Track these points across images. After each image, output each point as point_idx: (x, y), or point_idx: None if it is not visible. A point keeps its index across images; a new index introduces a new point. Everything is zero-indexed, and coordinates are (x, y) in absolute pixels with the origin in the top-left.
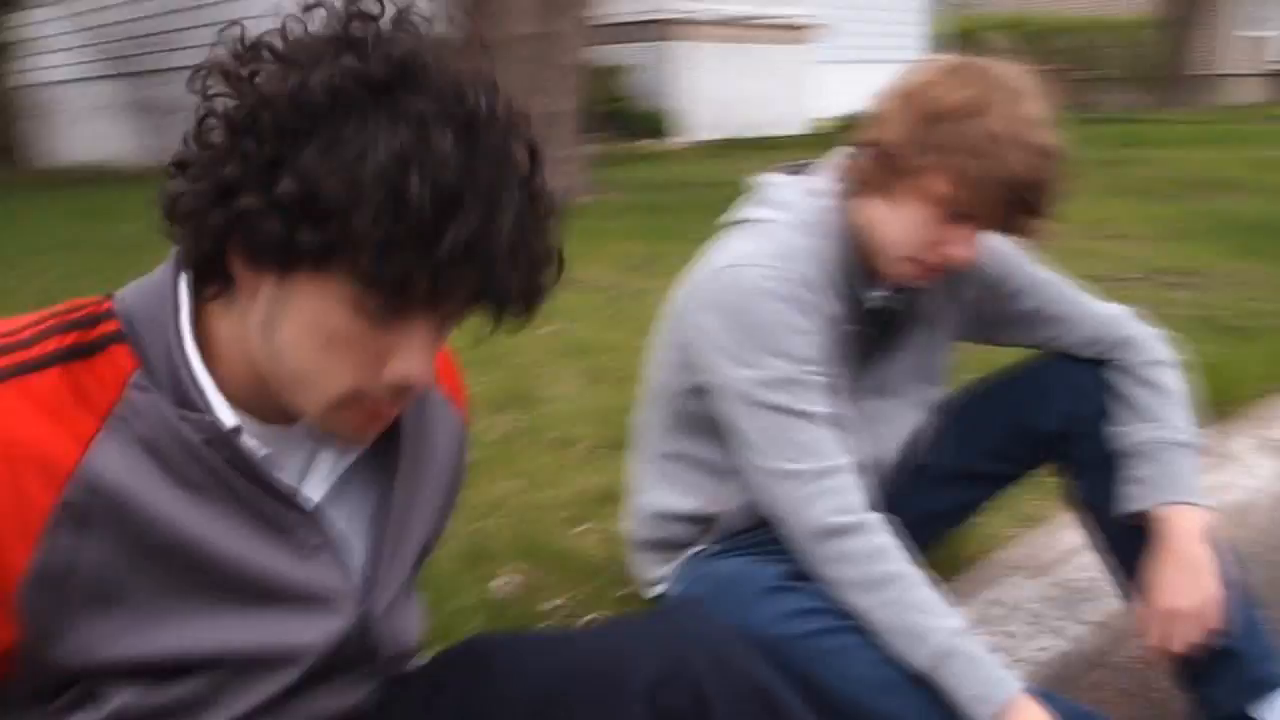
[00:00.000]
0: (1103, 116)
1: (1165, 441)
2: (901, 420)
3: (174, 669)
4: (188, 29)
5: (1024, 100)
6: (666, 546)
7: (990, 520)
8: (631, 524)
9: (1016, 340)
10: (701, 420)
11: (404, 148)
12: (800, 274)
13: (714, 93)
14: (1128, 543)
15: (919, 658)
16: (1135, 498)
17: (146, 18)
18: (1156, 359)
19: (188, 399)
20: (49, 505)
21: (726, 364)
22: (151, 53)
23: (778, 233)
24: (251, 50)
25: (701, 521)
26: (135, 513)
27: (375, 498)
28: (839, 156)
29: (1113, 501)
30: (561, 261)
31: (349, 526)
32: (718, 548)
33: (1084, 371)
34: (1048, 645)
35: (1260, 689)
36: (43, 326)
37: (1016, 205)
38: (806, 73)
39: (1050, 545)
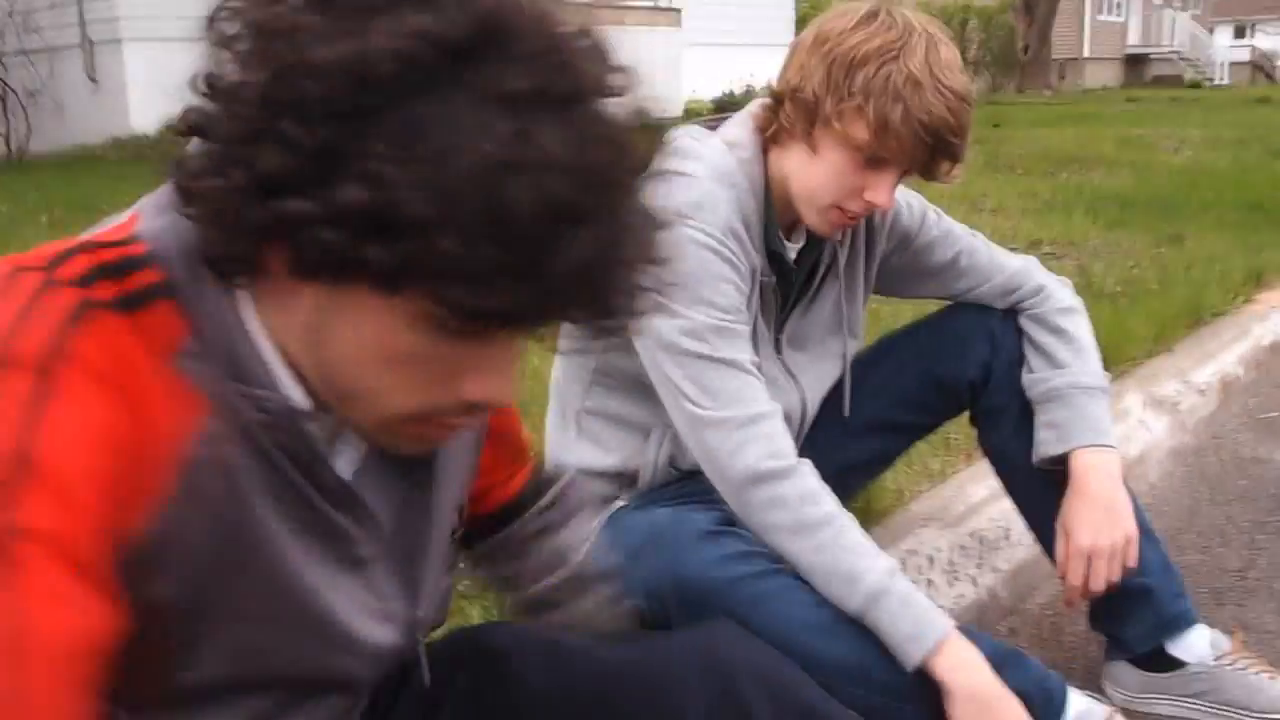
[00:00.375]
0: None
1: (1077, 386)
2: (820, 372)
3: (222, 690)
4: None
5: (938, 45)
6: None
7: (899, 476)
8: None
9: (932, 292)
10: (622, 375)
11: (501, 144)
12: (722, 223)
13: None
14: (1043, 489)
15: (853, 599)
16: (1050, 442)
17: None
18: (1066, 306)
19: (247, 374)
20: (174, 464)
21: (652, 314)
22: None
23: (697, 184)
24: None
25: (624, 478)
26: (235, 501)
27: (404, 476)
28: (754, 109)
29: (1029, 448)
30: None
31: (378, 504)
32: (641, 501)
33: (1000, 321)
34: (964, 593)
35: (1175, 626)
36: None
37: (935, 148)
38: (679, 56)
39: (960, 498)
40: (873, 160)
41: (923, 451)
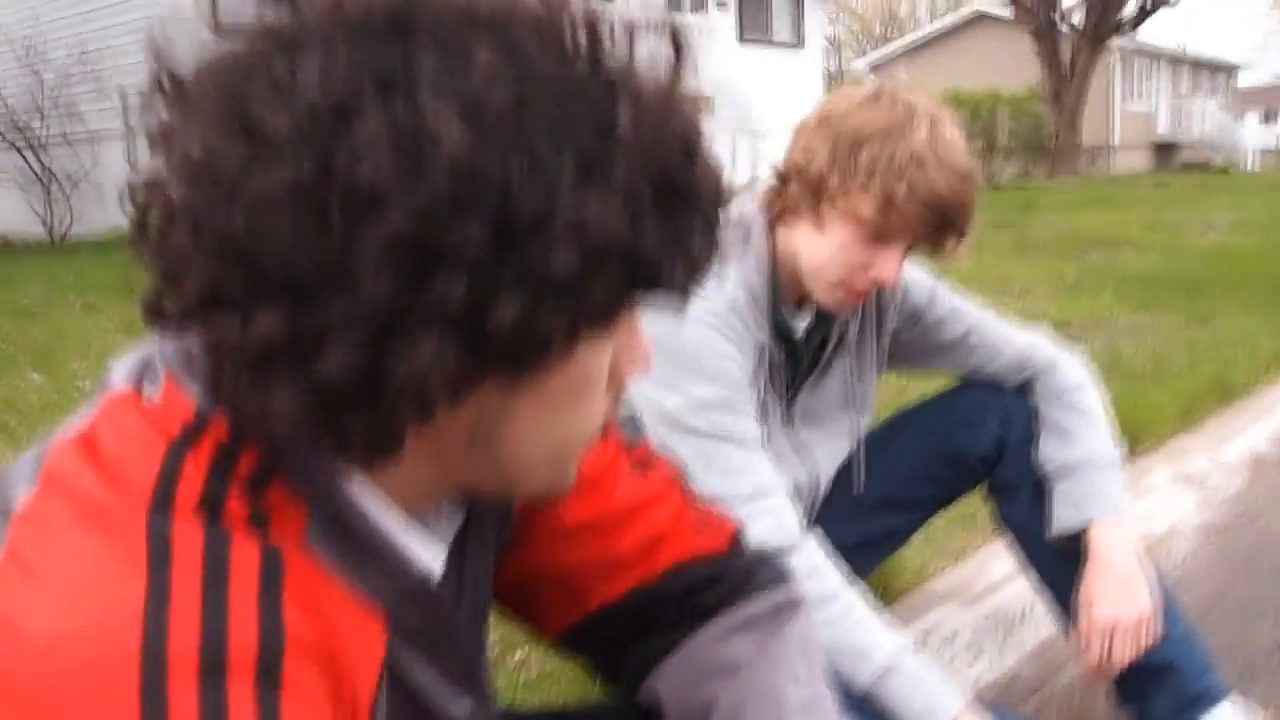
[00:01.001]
0: (998, 185)
1: (1091, 462)
2: (831, 448)
3: None
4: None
5: (941, 125)
6: None
7: (918, 553)
8: None
9: (943, 367)
10: None
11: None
12: (727, 299)
13: None
14: (1060, 565)
15: (862, 675)
16: (1066, 518)
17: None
18: (1078, 382)
19: (369, 546)
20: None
21: (655, 390)
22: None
23: None
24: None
25: None
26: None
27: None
28: (760, 187)
29: (1043, 524)
30: None
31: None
32: None
33: (1012, 396)
34: (986, 672)
35: (1203, 701)
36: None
37: (940, 224)
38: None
39: (981, 575)
40: (878, 236)
41: (943, 529)
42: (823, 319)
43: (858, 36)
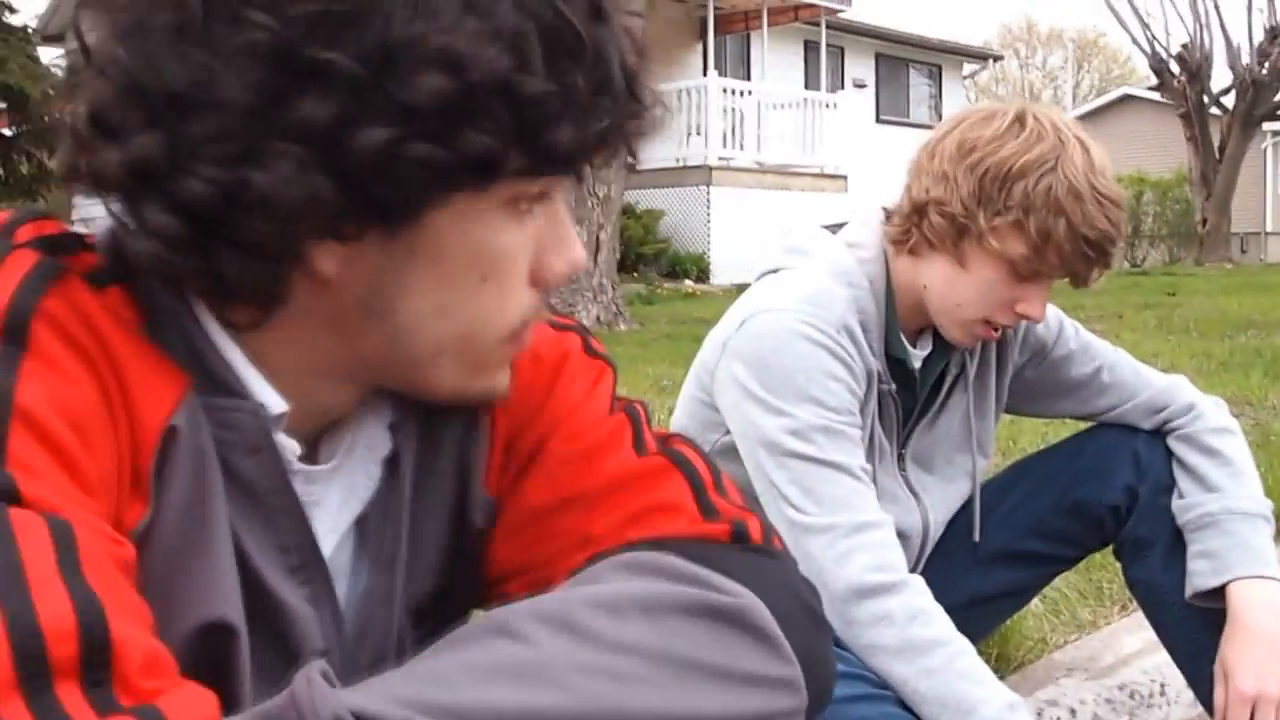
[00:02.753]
0: (1144, 270)
1: (1233, 512)
2: (945, 492)
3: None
4: None
5: (1091, 150)
6: None
7: (1042, 624)
8: None
9: (1070, 410)
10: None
11: None
12: (836, 320)
13: (754, 237)
14: (1199, 628)
15: None
16: (1204, 574)
17: None
18: (1220, 426)
19: (213, 376)
20: (155, 439)
21: (756, 412)
22: None
23: (812, 279)
24: None
25: None
26: (201, 491)
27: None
28: (876, 212)
29: (1180, 582)
30: None
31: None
32: None
33: (1146, 442)
34: None
35: None
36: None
37: (1094, 258)
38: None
39: (1111, 649)
40: (1028, 274)
41: (1070, 599)
42: (940, 352)
43: None
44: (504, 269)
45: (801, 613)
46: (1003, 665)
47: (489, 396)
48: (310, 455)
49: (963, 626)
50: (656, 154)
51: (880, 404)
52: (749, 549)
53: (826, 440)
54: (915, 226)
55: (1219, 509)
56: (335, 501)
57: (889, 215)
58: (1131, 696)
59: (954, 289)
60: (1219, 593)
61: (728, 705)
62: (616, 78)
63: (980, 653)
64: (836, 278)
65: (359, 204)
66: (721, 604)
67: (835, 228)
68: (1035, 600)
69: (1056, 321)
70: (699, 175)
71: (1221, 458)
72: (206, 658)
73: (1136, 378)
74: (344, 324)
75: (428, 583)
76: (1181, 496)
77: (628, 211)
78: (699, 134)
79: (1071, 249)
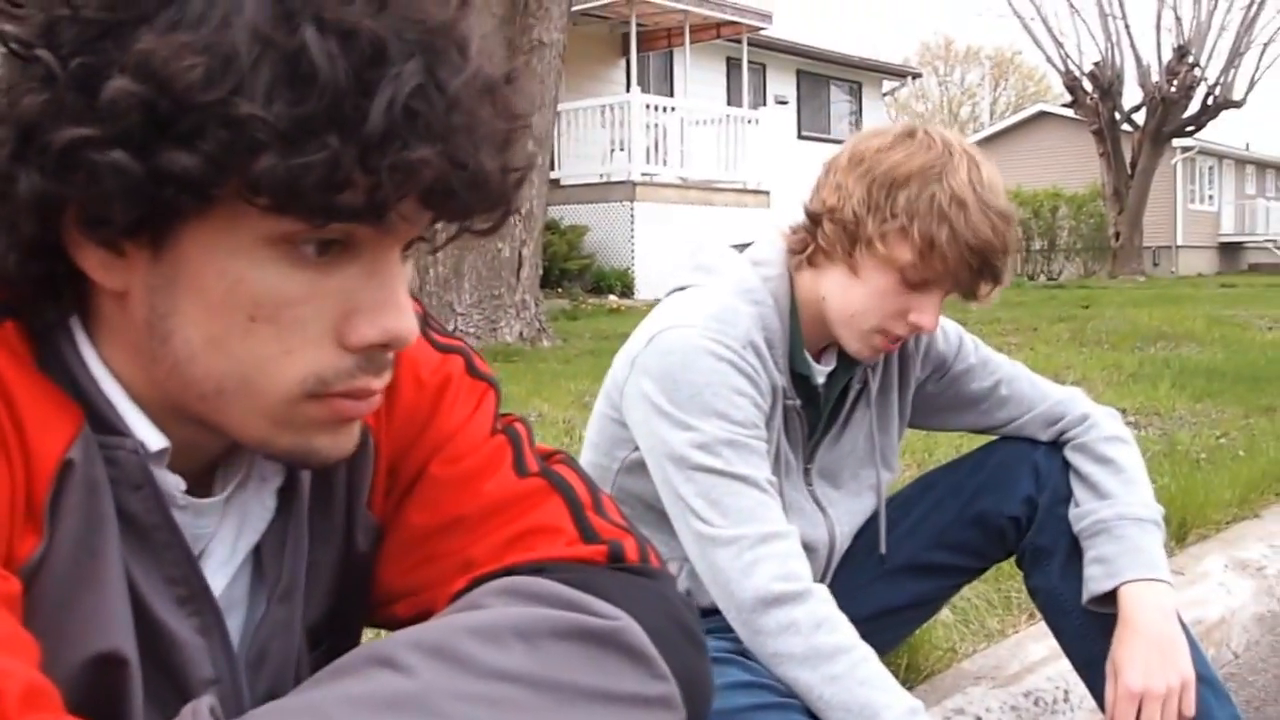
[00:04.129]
0: (1060, 283)
1: (1125, 518)
2: (851, 506)
3: None
4: None
5: (980, 164)
6: None
7: (951, 633)
8: None
9: (970, 424)
10: (639, 502)
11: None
12: (741, 336)
13: (678, 253)
14: (1095, 634)
15: None
16: (1098, 578)
17: None
18: (1113, 435)
19: (97, 413)
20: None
21: (663, 427)
22: None
23: (718, 296)
24: None
25: None
26: (95, 525)
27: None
28: (780, 229)
29: (1079, 590)
30: (524, 147)
31: (235, 615)
32: None
33: (1045, 454)
34: None
35: None
36: None
37: (980, 269)
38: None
39: (1017, 657)
40: (918, 283)
41: (979, 609)
42: (844, 368)
43: None
44: (279, 315)
45: (678, 630)
46: (912, 675)
47: (308, 458)
48: (205, 488)
49: (871, 637)
50: (580, 170)
51: (786, 419)
52: (625, 569)
53: (732, 454)
54: (811, 237)
55: (1111, 515)
56: (230, 534)
57: (793, 231)
58: (1036, 704)
59: (849, 298)
60: (1114, 599)
61: None
62: (373, 119)
63: (889, 662)
64: (741, 295)
65: (85, 207)
66: (597, 626)
67: (743, 247)
68: (945, 610)
69: (956, 336)
70: (622, 191)
71: (1114, 465)
72: (99, 688)
73: (1034, 390)
74: (142, 347)
75: (321, 606)
76: (1077, 505)
77: (552, 227)
78: (622, 150)
79: (955, 257)
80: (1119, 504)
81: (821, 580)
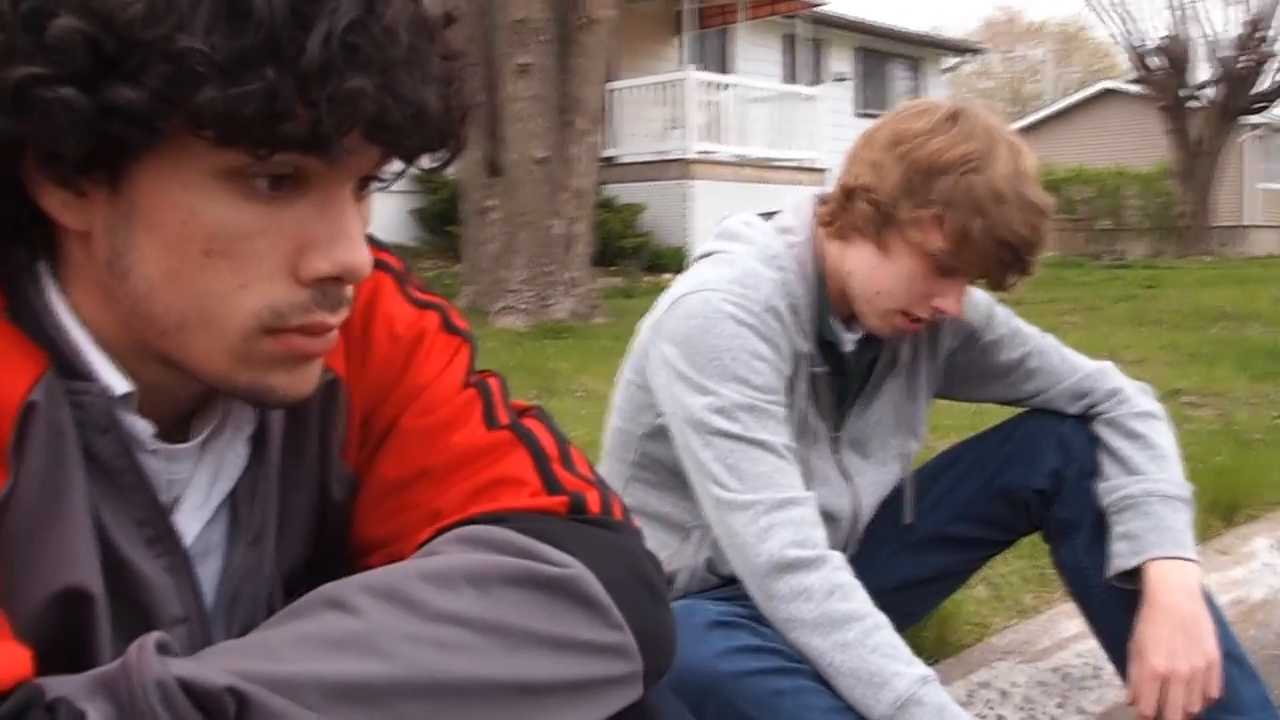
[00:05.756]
0: (1125, 263)
1: (1153, 494)
2: (877, 477)
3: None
4: None
5: (1020, 155)
6: None
7: (983, 609)
8: None
9: (998, 395)
10: (663, 468)
11: None
12: (762, 300)
13: None
14: (1120, 610)
15: (878, 706)
16: (1124, 555)
17: None
18: (1144, 411)
19: (64, 358)
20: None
21: (684, 392)
22: None
23: (740, 261)
24: None
25: None
26: (59, 467)
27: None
28: (809, 199)
29: (1104, 565)
30: (467, 87)
31: (207, 561)
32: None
33: (1072, 427)
34: None
35: None
36: None
37: (1010, 263)
38: None
39: (1048, 633)
40: (945, 269)
41: (1014, 585)
42: (873, 338)
43: None
44: (233, 248)
45: (636, 581)
46: (941, 649)
47: (266, 396)
48: (181, 435)
49: (895, 609)
50: (636, 148)
51: (813, 386)
52: (586, 521)
53: (751, 418)
54: (843, 211)
55: (1139, 491)
56: (205, 479)
57: (823, 201)
58: (1064, 679)
59: (875, 276)
60: (1140, 575)
61: (555, 671)
62: (311, 51)
63: (916, 635)
64: (766, 261)
65: (39, 146)
66: (548, 574)
67: (770, 215)
68: (980, 586)
69: (987, 306)
70: (678, 169)
71: (1144, 441)
72: (66, 623)
73: (1063, 363)
74: (105, 287)
75: (296, 554)
76: (1104, 479)
77: (607, 205)
78: (678, 127)
79: (987, 250)
80: (1148, 480)
81: (844, 550)
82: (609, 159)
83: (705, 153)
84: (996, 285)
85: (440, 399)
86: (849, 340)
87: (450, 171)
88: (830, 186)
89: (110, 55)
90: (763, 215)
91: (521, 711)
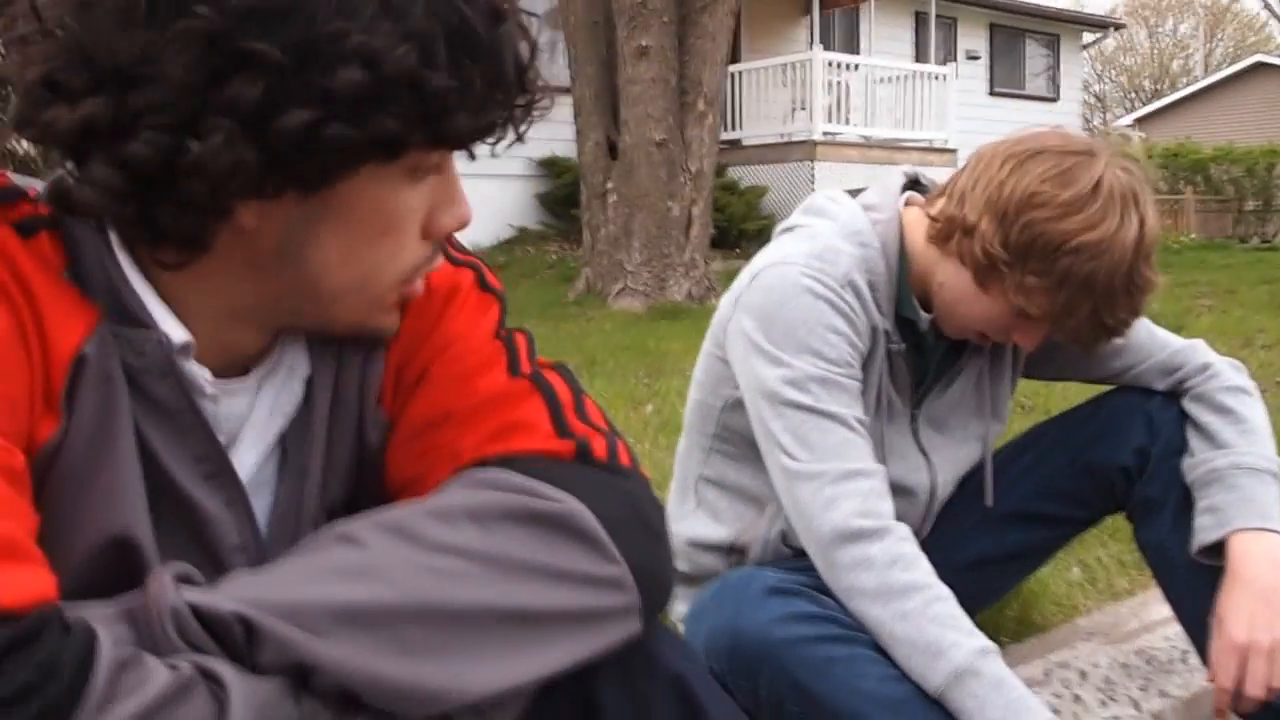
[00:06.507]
0: (1273, 245)
1: (1240, 467)
2: (956, 454)
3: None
4: None
5: (1148, 229)
6: (697, 580)
7: (1074, 592)
8: None
9: (1085, 373)
10: (742, 440)
11: None
12: (840, 275)
13: None
14: (1204, 589)
15: (935, 676)
16: (1208, 528)
17: None
18: (1235, 386)
19: (127, 311)
20: (66, 365)
21: (759, 363)
22: None
23: (821, 236)
24: None
25: (734, 553)
26: (112, 416)
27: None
28: (899, 176)
29: (1188, 542)
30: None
31: (262, 495)
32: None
33: (1160, 404)
34: (1120, 717)
35: None
36: None
37: (1100, 338)
38: None
39: (1137, 615)
40: (1036, 321)
41: (1108, 568)
42: None
43: (1127, 92)
44: (401, 225)
45: (634, 521)
46: (1023, 629)
47: (380, 333)
48: (239, 376)
49: (971, 585)
50: (761, 130)
51: (892, 363)
52: (590, 464)
53: (823, 390)
54: (953, 235)
55: (1225, 464)
56: (261, 416)
57: (914, 184)
58: (1149, 662)
59: (964, 301)
60: (1224, 550)
61: (551, 600)
62: (509, 73)
63: (1000, 614)
64: (847, 237)
65: (282, 172)
66: (545, 509)
67: (856, 193)
68: (1074, 568)
69: None
70: (803, 151)
71: (1234, 416)
72: (115, 569)
73: (1152, 339)
74: (260, 268)
75: (337, 494)
76: (1192, 454)
77: (731, 188)
78: (804, 109)
79: (1087, 328)
80: (1234, 453)
81: (923, 524)
82: (733, 142)
83: (830, 134)
84: (1086, 348)
85: (470, 349)
86: (927, 319)
87: (573, 155)
88: (936, 174)
89: (378, 94)
90: (850, 192)
91: (518, 637)
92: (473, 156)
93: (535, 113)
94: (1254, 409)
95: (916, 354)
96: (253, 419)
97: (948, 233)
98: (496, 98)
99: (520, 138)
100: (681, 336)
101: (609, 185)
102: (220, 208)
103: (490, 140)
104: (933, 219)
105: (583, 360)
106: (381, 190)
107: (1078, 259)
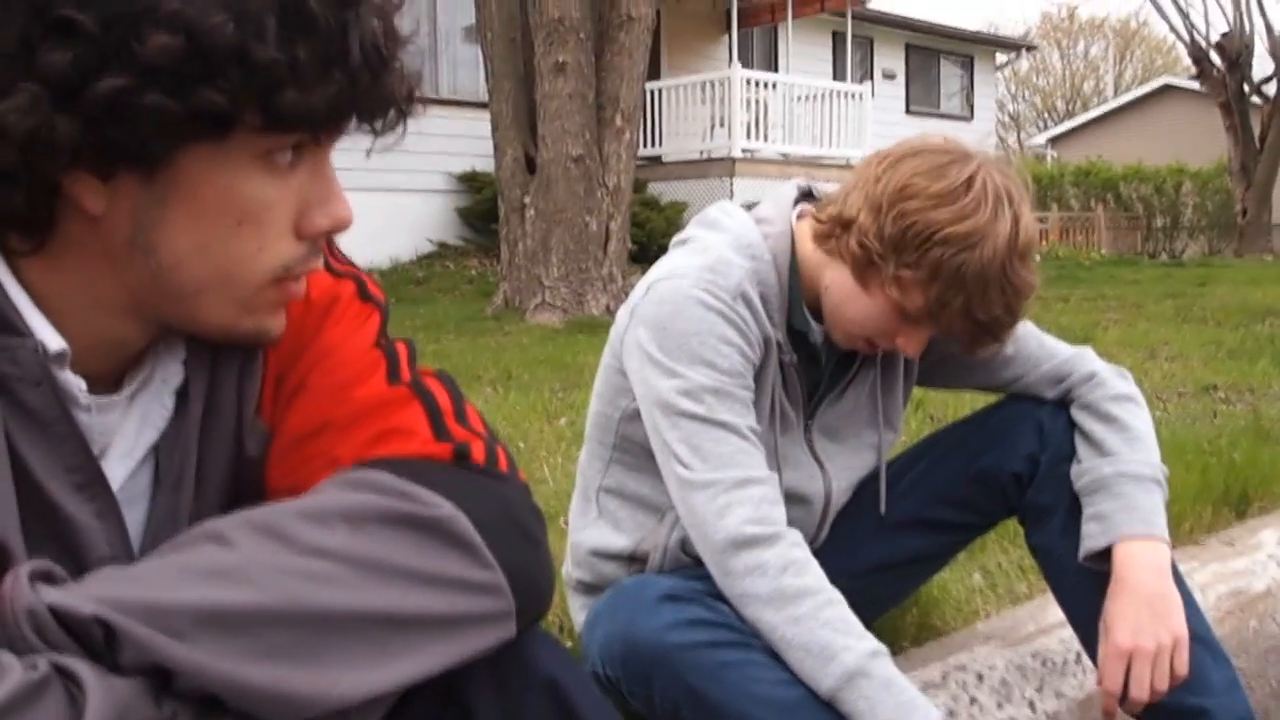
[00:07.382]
0: (1180, 262)
1: (1125, 475)
2: (851, 462)
3: None
4: None
5: (1023, 229)
6: (597, 589)
7: (974, 597)
8: (567, 566)
9: (977, 382)
10: (640, 450)
11: None
12: (732, 287)
13: None
14: (1092, 594)
15: (827, 678)
16: (1094, 535)
17: None
18: (1120, 394)
19: (1, 317)
20: None
21: (653, 374)
22: None
23: (714, 249)
24: None
25: (634, 561)
26: None
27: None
28: (791, 189)
29: (1077, 547)
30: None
31: (134, 507)
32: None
33: (1050, 411)
34: (1016, 716)
35: None
36: None
37: (978, 335)
38: None
39: (1034, 618)
40: (917, 322)
41: (1010, 574)
42: None
43: (1040, 112)
44: (260, 216)
45: (510, 526)
46: (923, 633)
47: (259, 337)
48: (113, 388)
49: (869, 591)
50: (681, 146)
51: (785, 374)
52: (468, 468)
53: (716, 401)
54: (834, 234)
55: (1111, 472)
56: (132, 429)
57: (807, 196)
58: (1044, 664)
59: (848, 303)
60: (1111, 556)
61: (422, 605)
62: (354, 54)
63: (899, 619)
64: (739, 249)
65: (106, 144)
66: (419, 513)
67: (752, 206)
68: (976, 574)
69: None
70: (722, 167)
71: (1119, 424)
72: None
73: (1041, 348)
74: (115, 258)
75: (215, 504)
76: (1079, 462)
77: (651, 204)
78: (723, 126)
79: (960, 323)
80: (1120, 461)
81: (818, 531)
82: (653, 158)
83: (749, 151)
84: (965, 349)
85: (349, 358)
86: (819, 331)
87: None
88: (829, 186)
89: (198, 65)
90: (744, 206)
91: (390, 642)
92: (366, 154)
93: (407, 108)
94: (1139, 416)
95: (809, 365)
96: (123, 431)
97: (830, 232)
98: (333, 76)
99: (387, 129)
100: (598, 350)
101: (527, 200)
102: (44, 180)
103: (345, 125)
104: (819, 221)
105: (499, 374)
106: (225, 175)
107: (948, 249)
